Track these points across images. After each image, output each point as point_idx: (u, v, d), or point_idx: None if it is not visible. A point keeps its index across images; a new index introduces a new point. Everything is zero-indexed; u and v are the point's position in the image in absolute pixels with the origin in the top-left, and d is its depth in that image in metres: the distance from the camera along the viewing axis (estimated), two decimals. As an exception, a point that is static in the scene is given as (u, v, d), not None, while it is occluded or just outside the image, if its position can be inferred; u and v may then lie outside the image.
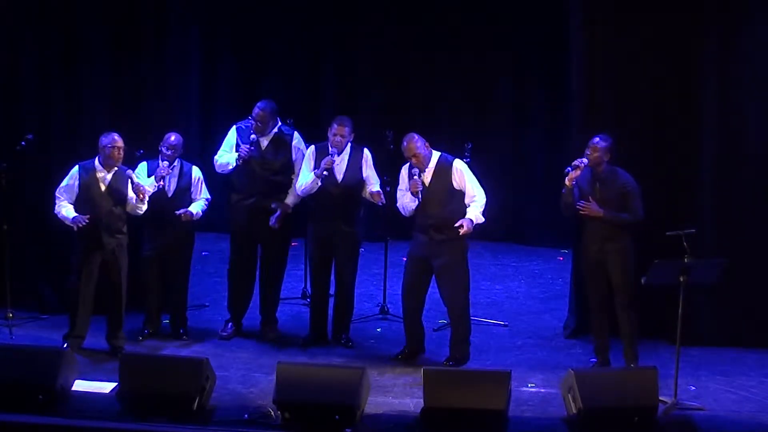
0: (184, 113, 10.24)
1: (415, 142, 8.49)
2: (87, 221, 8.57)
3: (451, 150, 9.01)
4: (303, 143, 9.15)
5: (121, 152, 8.69)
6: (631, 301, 8.37)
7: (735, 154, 9.04)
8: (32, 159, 9.54)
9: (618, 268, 8.31)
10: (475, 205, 8.49)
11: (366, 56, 12.43)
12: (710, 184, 9.04)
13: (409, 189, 8.51)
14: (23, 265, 9.66)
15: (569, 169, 8.29)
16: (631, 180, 8.35)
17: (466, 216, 8.41)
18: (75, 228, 8.63)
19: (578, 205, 8.35)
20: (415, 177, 8.48)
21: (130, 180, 8.66)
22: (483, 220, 8.49)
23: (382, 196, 8.84)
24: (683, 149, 8.97)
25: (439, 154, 8.63)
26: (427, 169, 8.54)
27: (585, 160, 8.28)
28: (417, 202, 8.50)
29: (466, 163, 9.27)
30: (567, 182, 8.31)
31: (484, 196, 8.55)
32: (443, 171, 8.55)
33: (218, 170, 9.15)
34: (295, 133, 9.18)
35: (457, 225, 8.36)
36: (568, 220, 8.93)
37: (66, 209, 8.69)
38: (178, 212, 8.97)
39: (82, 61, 9.61)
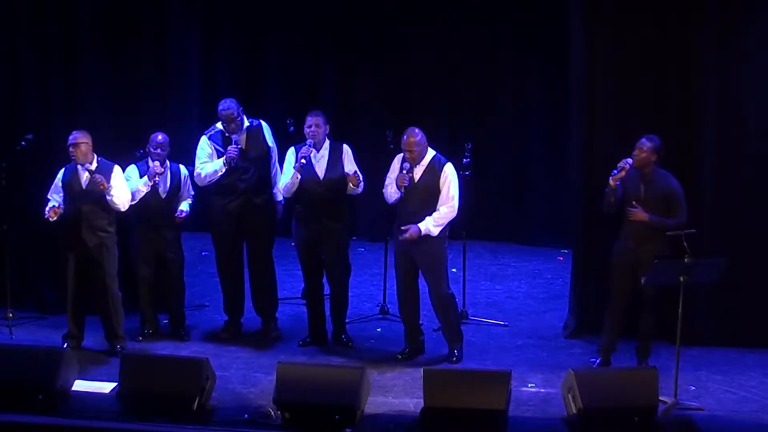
0: (184, 113, 10.25)
1: (415, 137, 8.49)
2: (52, 214, 8.58)
3: (451, 150, 9.02)
4: (270, 130, 9.16)
5: (82, 148, 8.65)
6: (655, 304, 8.39)
7: (735, 154, 9.04)
8: (32, 159, 9.54)
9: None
10: (437, 215, 8.47)
11: (366, 56, 12.44)
12: (710, 184, 9.04)
13: (396, 181, 8.53)
14: (23, 265, 9.66)
15: (615, 171, 8.22)
16: (677, 185, 8.35)
17: (419, 223, 8.42)
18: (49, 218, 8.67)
19: (628, 210, 8.30)
20: (404, 171, 8.50)
21: (90, 170, 8.63)
22: (435, 233, 8.47)
23: (360, 179, 8.79)
24: (683, 149, 8.96)
25: (434, 153, 8.63)
26: (419, 165, 8.56)
27: (630, 161, 8.26)
28: (399, 195, 8.52)
29: (465, 163, 9.29)
30: (611, 182, 8.26)
31: (454, 210, 8.53)
32: (434, 171, 8.56)
33: (204, 182, 9.05)
34: (261, 122, 9.18)
35: (403, 228, 8.40)
36: (568, 219, 8.93)
37: (51, 202, 8.74)
38: (178, 215, 9.03)
39: (82, 61, 9.61)
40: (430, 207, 8.52)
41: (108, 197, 8.66)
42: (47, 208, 8.64)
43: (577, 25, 9.20)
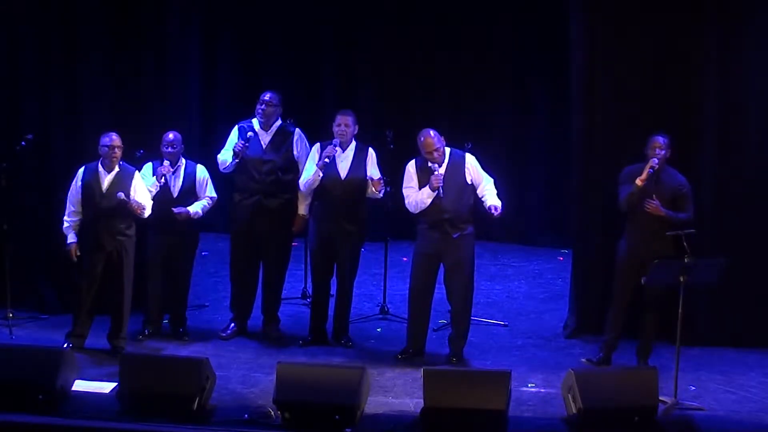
0: (184, 113, 10.23)
1: (433, 138, 8.48)
2: (74, 257, 8.70)
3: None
4: (305, 139, 9.15)
5: (117, 152, 8.63)
6: (658, 304, 8.40)
7: (735, 154, 9.05)
8: (32, 159, 9.54)
9: None
10: (493, 193, 8.57)
11: (366, 56, 12.43)
12: (710, 184, 9.04)
13: (430, 185, 8.46)
14: (23, 265, 9.65)
15: (651, 171, 8.21)
16: (685, 181, 8.39)
17: (489, 203, 8.49)
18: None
19: (646, 203, 8.27)
20: (436, 172, 8.47)
21: (124, 198, 8.56)
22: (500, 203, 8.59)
23: (383, 185, 8.83)
24: (683, 149, 8.97)
25: (449, 149, 8.63)
26: (441, 165, 8.55)
27: (656, 161, 8.26)
28: (435, 196, 8.47)
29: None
30: (638, 182, 8.24)
31: (492, 182, 8.65)
32: (457, 165, 8.57)
33: (220, 168, 9.16)
34: (297, 129, 9.18)
35: (495, 212, 8.44)
36: (568, 219, 8.93)
37: (70, 233, 8.73)
38: (175, 210, 8.90)
39: (82, 60, 9.61)
40: (463, 201, 8.55)
41: (141, 214, 8.63)
42: (69, 246, 8.71)
43: (577, 24, 9.21)
